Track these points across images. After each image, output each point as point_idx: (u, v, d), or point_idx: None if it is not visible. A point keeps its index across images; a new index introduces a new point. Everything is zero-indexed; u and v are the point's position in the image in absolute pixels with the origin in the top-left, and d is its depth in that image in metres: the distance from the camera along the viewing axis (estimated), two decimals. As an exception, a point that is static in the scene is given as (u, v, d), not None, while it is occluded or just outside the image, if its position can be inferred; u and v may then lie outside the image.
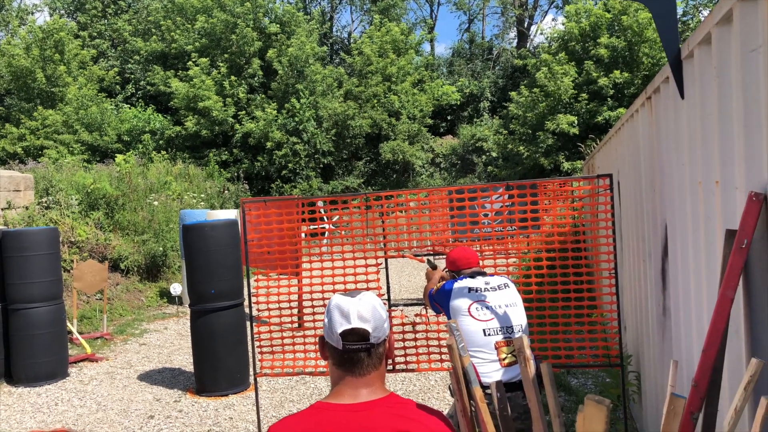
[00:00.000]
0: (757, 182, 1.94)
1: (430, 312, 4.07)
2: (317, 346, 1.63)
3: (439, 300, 3.58)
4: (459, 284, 3.50)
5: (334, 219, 6.94)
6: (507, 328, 3.35)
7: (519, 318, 3.43)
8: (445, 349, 4.65)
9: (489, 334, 3.31)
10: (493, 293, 3.45)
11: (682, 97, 2.78)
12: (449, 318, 3.46)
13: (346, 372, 1.51)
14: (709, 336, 1.98)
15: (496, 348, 3.30)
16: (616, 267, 4.26)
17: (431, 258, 4.62)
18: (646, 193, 3.99)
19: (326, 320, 1.53)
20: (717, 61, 2.27)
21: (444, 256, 4.09)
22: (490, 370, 3.25)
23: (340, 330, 1.48)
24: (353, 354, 1.49)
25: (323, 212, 6.08)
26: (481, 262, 4.15)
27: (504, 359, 3.28)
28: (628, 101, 17.98)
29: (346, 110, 22.16)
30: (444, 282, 3.65)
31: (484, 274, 3.60)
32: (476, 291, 3.45)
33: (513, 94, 21.85)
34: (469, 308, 3.39)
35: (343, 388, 1.50)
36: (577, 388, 5.80)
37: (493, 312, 3.38)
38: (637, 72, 19.25)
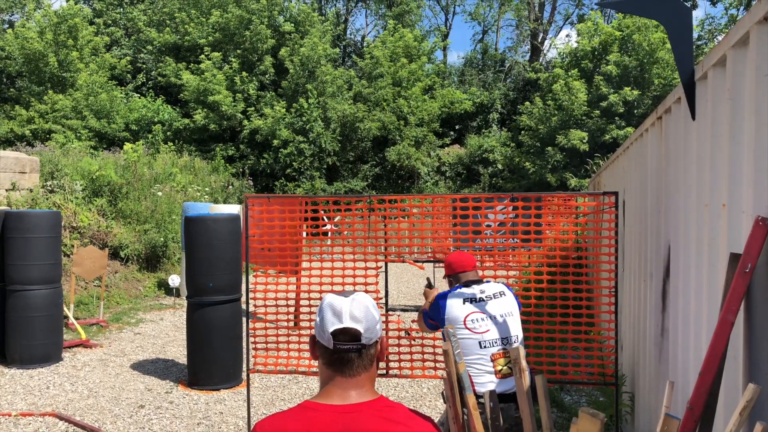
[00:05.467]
0: (764, 207, 1.93)
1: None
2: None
3: (433, 315, 3.50)
4: (453, 295, 3.44)
5: (336, 219, 6.93)
6: (503, 339, 3.32)
7: (515, 328, 3.39)
8: (439, 357, 4.63)
9: (485, 346, 3.28)
10: (489, 302, 3.40)
11: (693, 117, 2.77)
12: None
13: (335, 372, 1.49)
14: (707, 359, 1.97)
15: (492, 360, 3.27)
16: (617, 285, 4.24)
17: (430, 278, 4.60)
18: (651, 212, 3.98)
19: (318, 319, 1.51)
20: (730, 83, 2.26)
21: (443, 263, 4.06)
22: (485, 381, 3.22)
23: (331, 329, 1.46)
24: (344, 354, 1.47)
25: (326, 219, 6.05)
26: (480, 272, 4.12)
27: (500, 371, 3.25)
28: (638, 121, 17.97)
29: (356, 112, 22.19)
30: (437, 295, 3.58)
31: (479, 282, 3.53)
32: (471, 301, 3.39)
33: (526, 104, 21.81)
34: (465, 320, 3.33)
35: (332, 389, 1.48)
36: (570, 405, 5.77)
37: (489, 322, 3.33)
38: (647, 92, 19.23)
